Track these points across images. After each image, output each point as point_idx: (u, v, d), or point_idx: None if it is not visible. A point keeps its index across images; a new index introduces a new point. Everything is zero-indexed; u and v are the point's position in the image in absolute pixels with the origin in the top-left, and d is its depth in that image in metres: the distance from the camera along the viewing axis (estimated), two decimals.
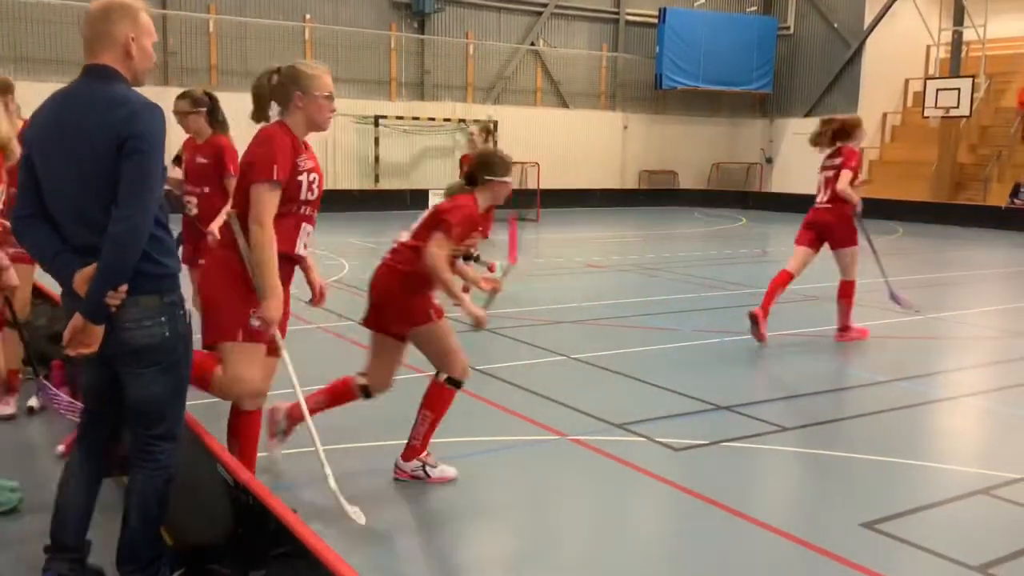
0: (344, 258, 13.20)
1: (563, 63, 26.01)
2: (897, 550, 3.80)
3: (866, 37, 25.55)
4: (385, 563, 3.67)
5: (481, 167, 4.52)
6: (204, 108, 5.82)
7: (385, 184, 23.12)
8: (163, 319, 2.96)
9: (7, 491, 3.92)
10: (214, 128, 5.91)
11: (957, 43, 23.52)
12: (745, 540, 3.91)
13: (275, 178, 3.55)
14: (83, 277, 2.84)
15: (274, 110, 3.94)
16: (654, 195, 27.39)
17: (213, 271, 3.80)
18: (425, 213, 4.48)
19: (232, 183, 5.79)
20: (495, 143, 9.31)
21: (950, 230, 20.20)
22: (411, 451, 4.45)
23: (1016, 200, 21.47)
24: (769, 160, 28.61)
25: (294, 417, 4.55)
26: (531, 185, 22.54)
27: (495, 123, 9.08)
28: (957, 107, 22.25)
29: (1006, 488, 4.49)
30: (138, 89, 2.95)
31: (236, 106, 20.20)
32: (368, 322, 4.45)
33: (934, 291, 11.51)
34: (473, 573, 3.68)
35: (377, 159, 22.87)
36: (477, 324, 4.40)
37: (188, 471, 3.46)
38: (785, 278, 8.05)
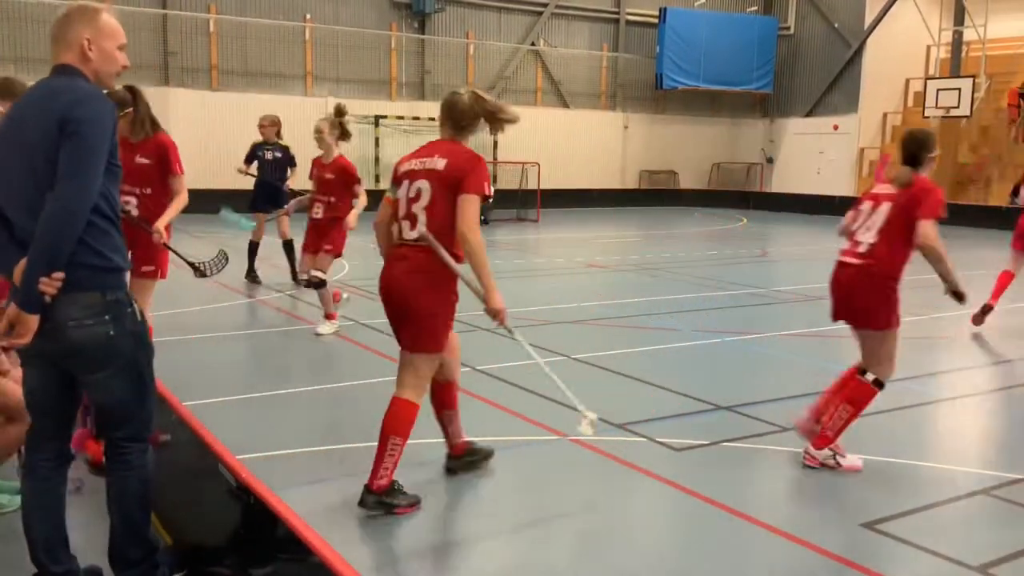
0: (345, 258, 13.17)
1: (563, 63, 26.02)
2: (897, 550, 3.80)
3: (867, 37, 25.55)
4: (385, 563, 3.67)
5: (920, 146, 4.71)
6: (129, 108, 5.29)
7: (385, 184, 23.05)
8: (107, 317, 2.89)
9: (10, 493, 3.93)
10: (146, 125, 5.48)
11: (957, 43, 23.53)
12: (745, 540, 3.91)
13: (484, 193, 3.92)
14: (20, 268, 2.80)
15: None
16: (654, 195, 27.39)
17: (426, 285, 3.93)
18: (878, 211, 4.69)
19: (178, 182, 5.42)
20: (346, 132, 7.68)
21: (950, 230, 20.10)
22: (824, 440, 4.70)
23: (1016, 200, 21.44)
24: (770, 160, 28.61)
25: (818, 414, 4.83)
26: (531, 185, 22.55)
27: (341, 105, 7.96)
28: (958, 107, 22.26)
29: (1006, 488, 4.50)
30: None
31: (236, 106, 20.42)
32: (837, 317, 4.86)
33: (935, 291, 11.50)
34: (473, 573, 3.68)
35: (377, 159, 22.87)
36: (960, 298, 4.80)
37: (189, 471, 3.46)
38: (1009, 278, 8.91)
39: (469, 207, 3.88)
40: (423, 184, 3.98)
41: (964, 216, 21.79)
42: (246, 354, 7.26)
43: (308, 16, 22.04)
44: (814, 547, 3.78)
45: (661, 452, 4.94)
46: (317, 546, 2.71)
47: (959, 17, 23.13)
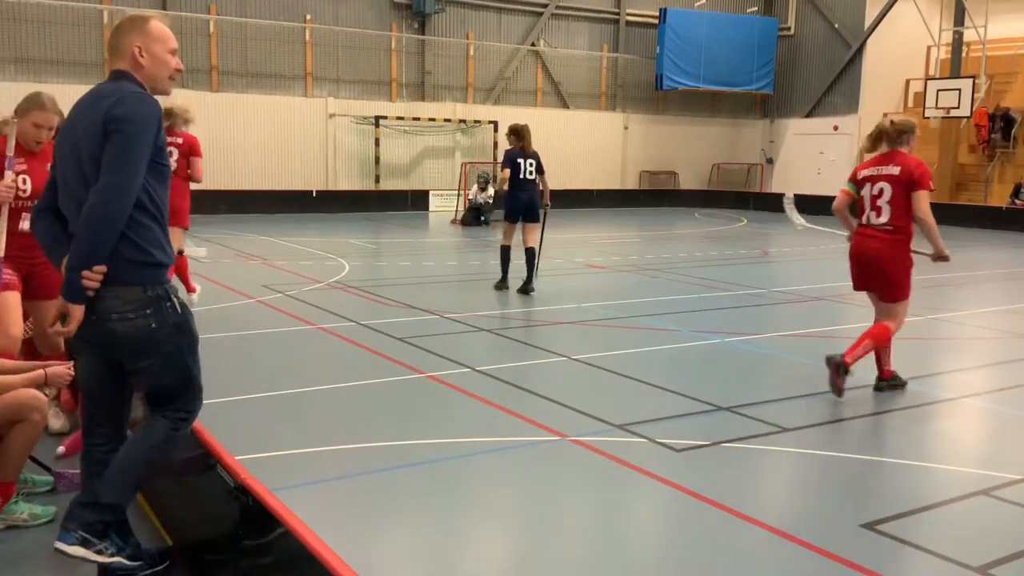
0: (344, 259, 13.20)
1: (563, 64, 26.02)
2: (897, 551, 3.80)
3: (867, 38, 25.55)
4: (385, 563, 3.67)
5: None
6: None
7: (386, 185, 23.13)
8: (148, 311, 2.99)
9: (38, 507, 3.89)
10: None
11: (958, 43, 23.52)
12: (746, 541, 3.91)
13: (931, 188, 5.94)
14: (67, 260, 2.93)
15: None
16: (654, 196, 27.39)
17: (897, 258, 6.05)
18: None
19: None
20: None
21: (951, 231, 20.13)
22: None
23: (1017, 201, 21.46)
24: (770, 161, 28.61)
25: None
26: None
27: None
28: (958, 107, 22.24)
29: (1006, 489, 4.49)
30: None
31: (236, 107, 20.40)
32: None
33: (935, 292, 11.50)
34: (473, 573, 3.68)
35: (378, 160, 22.88)
36: None
37: (188, 471, 3.46)
38: None
39: (923, 199, 5.92)
40: (884, 185, 6.01)
41: (964, 217, 21.81)
42: (246, 355, 7.25)
43: (308, 17, 22.04)
44: (814, 547, 3.78)
45: (661, 453, 4.94)
46: (316, 547, 2.71)
47: (959, 17, 23.12)
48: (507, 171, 10.05)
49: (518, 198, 10.19)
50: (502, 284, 10.42)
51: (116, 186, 2.85)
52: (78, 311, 2.87)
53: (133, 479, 3.14)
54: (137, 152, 2.90)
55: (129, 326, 2.96)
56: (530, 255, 10.23)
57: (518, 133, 10.47)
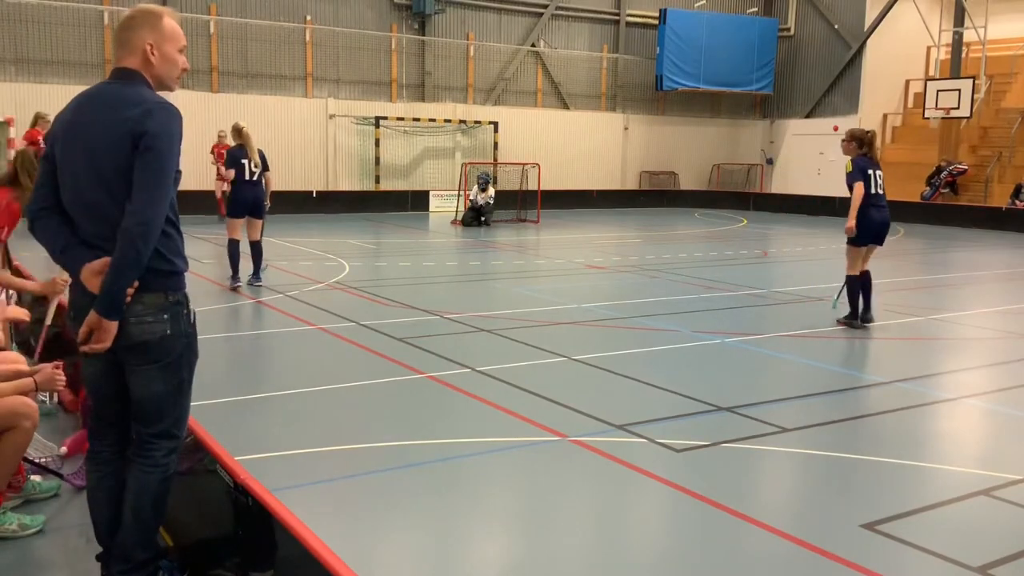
0: (344, 259, 13.20)
1: (563, 64, 26.03)
2: (898, 551, 3.80)
3: (867, 38, 25.56)
4: (385, 564, 3.67)
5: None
6: None
7: (386, 185, 23.13)
8: (165, 316, 2.99)
9: (27, 516, 3.88)
10: None
11: (957, 44, 23.53)
12: (746, 541, 3.91)
13: None
14: (91, 270, 2.88)
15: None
16: (654, 196, 27.40)
17: None
18: None
19: None
20: None
21: (951, 231, 20.20)
22: None
23: (1017, 201, 21.45)
24: (770, 161, 28.62)
25: None
26: (531, 186, 22.54)
27: None
28: (957, 108, 22.26)
29: (1006, 489, 4.49)
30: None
31: (236, 107, 20.38)
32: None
33: (935, 292, 11.51)
34: (473, 573, 3.67)
35: (378, 160, 22.88)
36: None
37: (188, 472, 3.46)
38: None
39: None
40: None
41: (964, 217, 21.82)
42: (246, 355, 7.26)
43: (308, 18, 22.05)
44: (814, 548, 3.78)
45: (661, 453, 4.94)
46: (316, 547, 2.70)
47: (959, 18, 23.14)
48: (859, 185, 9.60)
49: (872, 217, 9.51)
50: None
51: (154, 203, 2.84)
52: (115, 327, 2.86)
53: (155, 526, 3.17)
54: (170, 168, 2.89)
55: (145, 329, 2.95)
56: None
57: (867, 141, 9.67)
